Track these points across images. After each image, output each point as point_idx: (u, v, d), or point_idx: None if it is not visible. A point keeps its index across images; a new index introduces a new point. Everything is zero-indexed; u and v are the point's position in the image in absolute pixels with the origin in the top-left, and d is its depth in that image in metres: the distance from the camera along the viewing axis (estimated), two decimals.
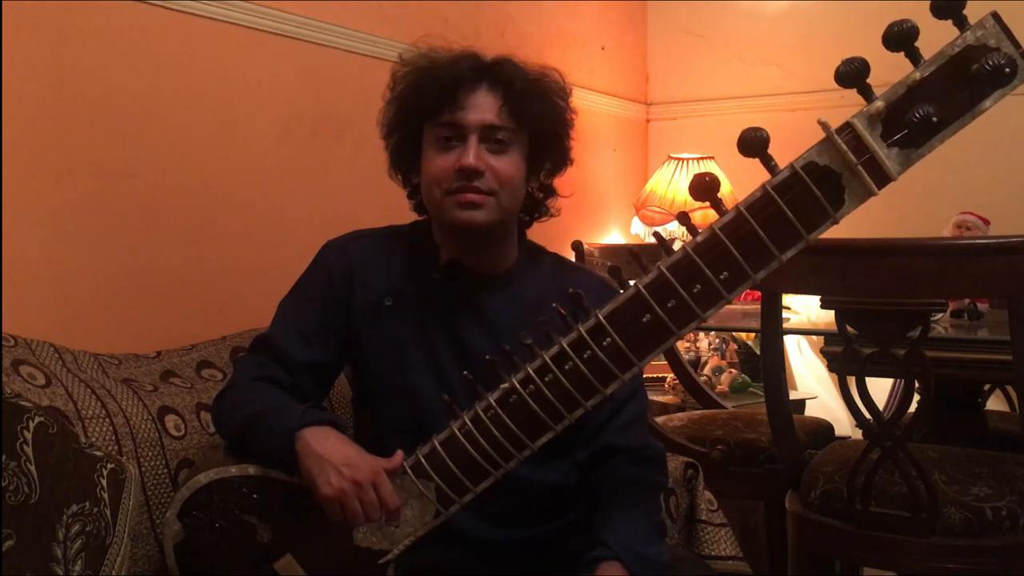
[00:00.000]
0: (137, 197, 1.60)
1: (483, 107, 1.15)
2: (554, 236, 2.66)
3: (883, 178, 0.84)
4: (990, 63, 0.77)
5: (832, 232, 1.00)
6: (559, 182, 1.28)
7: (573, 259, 2.15)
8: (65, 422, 1.15)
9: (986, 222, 2.18)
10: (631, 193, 3.13)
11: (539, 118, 1.18)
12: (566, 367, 0.98)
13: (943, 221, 2.26)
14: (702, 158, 2.91)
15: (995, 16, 0.79)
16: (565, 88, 1.23)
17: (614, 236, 3.08)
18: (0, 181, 1.38)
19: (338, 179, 2.00)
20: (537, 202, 1.27)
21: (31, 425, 1.03)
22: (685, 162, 2.91)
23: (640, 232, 2.96)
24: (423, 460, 1.07)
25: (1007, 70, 0.77)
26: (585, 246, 2.19)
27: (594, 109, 3.03)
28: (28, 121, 1.43)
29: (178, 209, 1.67)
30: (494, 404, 1.02)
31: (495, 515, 1.18)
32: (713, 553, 1.62)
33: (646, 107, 3.33)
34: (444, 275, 1.22)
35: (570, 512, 1.25)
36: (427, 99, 1.16)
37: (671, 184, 2.87)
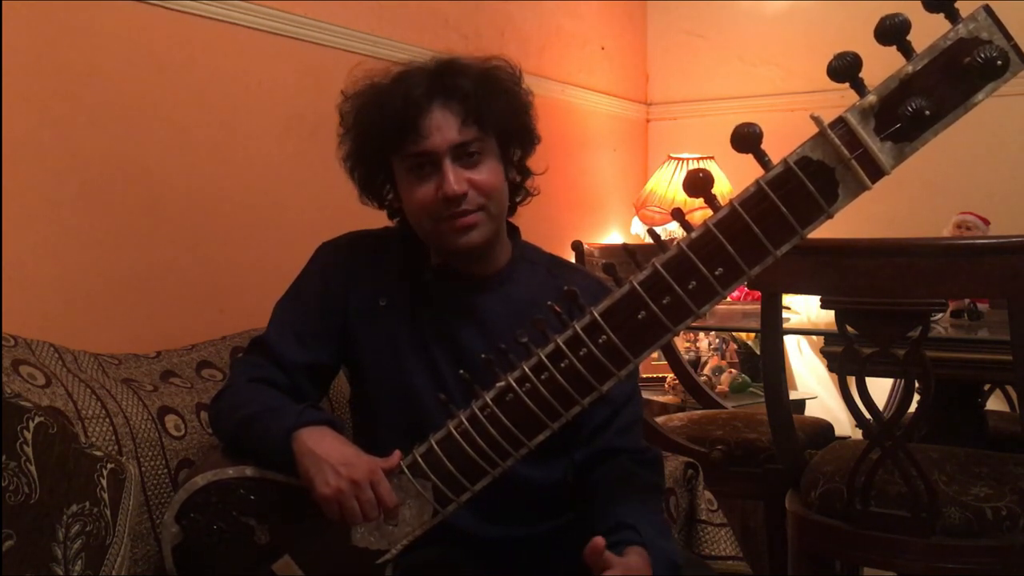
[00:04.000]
0: (137, 197, 1.60)
1: (444, 127, 1.12)
2: (554, 236, 2.67)
3: (877, 172, 0.84)
4: (982, 56, 0.77)
5: (832, 232, 1.00)
6: (532, 162, 1.26)
7: (573, 259, 2.15)
8: (65, 422, 1.15)
9: (986, 222, 2.18)
10: (631, 193, 3.13)
11: (501, 117, 1.16)
12: (562, 365, 0.98)
13: (943, 221, 2.25)
14: (702, 158, 2.91)
15: (987, 9, 0.79)
16: (515, 73, 1.21)
17: (614, 236, 3.08)
18: (0, 181, 1.38)
19: (338, 179, 1.99)
20: (517, 186, 1.25)
21: (31, 425, 1.03)
22: (685, 162, 2.91)
23: (640, 232, 2.96)
24: (420, 459, 1.07)
25: (999, 63, 0.77)
26: (585, 246, 2.19)
27: (594, 109, 3.03)
28: (28, 121, 1.43)
29: (178, 209, 1.67)
30: (491, 403, 1.02)
31: (493, 514, 1.18)
32: (713, 553, 1.62)
33: (646, 107, 3.33)
34: (435, 277, 1.22)
35: (568, 511, 1.25)
36: (387, 135, 1.14)
37: (671, 184, 2.87)
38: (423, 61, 1.19)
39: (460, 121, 1.13)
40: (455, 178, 1.12)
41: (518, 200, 1.27)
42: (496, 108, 1.15)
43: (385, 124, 1.14)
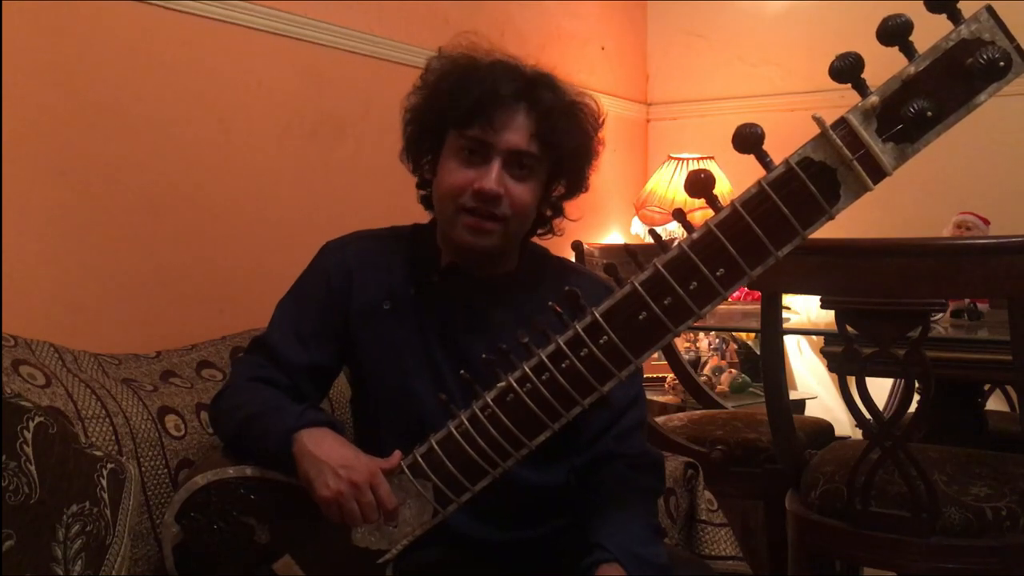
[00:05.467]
0: (137, 197, 1.60)
1: (515, 131, 1.12)
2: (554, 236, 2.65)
3: (878, 173, 0.84)
4: (984, 57, 0.77)
5: (833, 232, 1.00)
6: (569, 206, 1.27)
7: (573, 259, 2.15)
8: (65, 422, 1.15)
9: (986, 222, 2.18)
10: (631, 193, 3.13)
11: (566, 148, 1.16)
12: (563, 365, 0.98)
13: (943, 221, 2.25)
14: (702, 158, 2.91)
15: (989, 10, 0.79)
16: (598, 117, 1.21)
17: (614, 236, 3.08)
18: (0, 181, 1.38)
19: (338, 179, 2.00)
20: (544, 218, 1.25)
21: (31, 425, 1.03)
22: (685, 162, 2.91)
23: (640, 232, 2.96)
24: (420, 460, 1.07)
25: (1001, 64, 0.77)
26: (585, 246, 2.19)
27: None
28: (28, 121, 1.43)
29: (178, 209, 1.67)
30: (491, 403, 1.02)
31: (493, 516, 1.18)
32: (713, 553, 1.62)
33: (646, 107, 3.33)
34: (443, 278, 1.22)
35: (569, 514, 1.25)
36: (461, 108, 1.13)
37: (671, 184, 2.87)
38: (519, 61, 1.18)
39: (531, 134, 1.13)
40: (497, 179, 1.12)
41: (539, 232, 1.27)
42: (566, 140, 1.15)
43: (464, 100, 1.13)
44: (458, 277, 1.21)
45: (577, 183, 1.23)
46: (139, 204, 1.61)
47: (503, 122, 1.12)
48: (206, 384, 1.46)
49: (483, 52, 1.19)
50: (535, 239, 1.29)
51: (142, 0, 1.59)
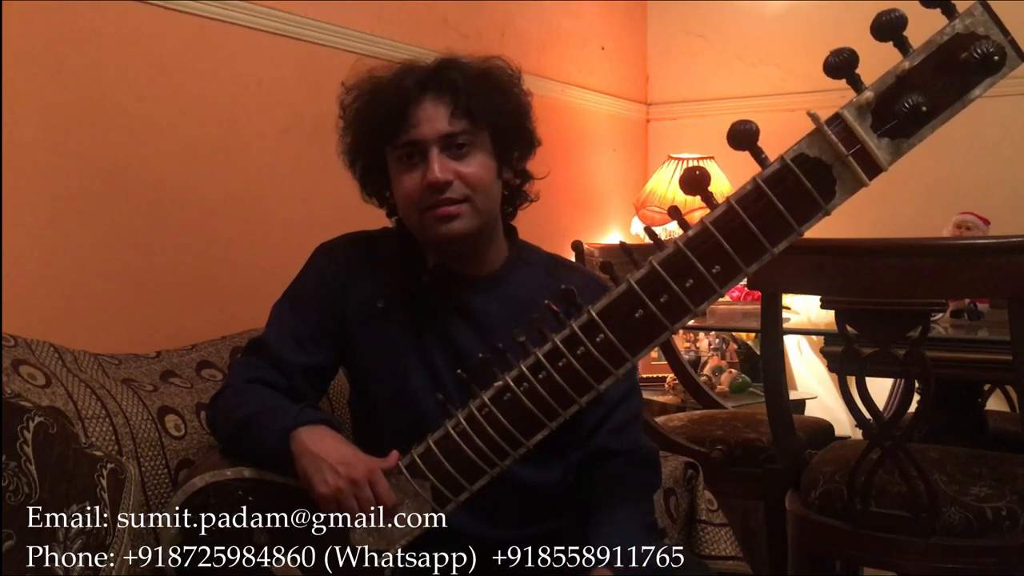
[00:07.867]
0: (137, 196, 1.61)
1: (434, 118, 1.14)
2: (554, 236, 2.66)
3: (874, 169, 0.84)
4: (979, 51, 0.77)
5: (833, 231, 1.00)
6: (532, 164, 1.26)
7: (573, 259, 2.15)
8: (65, 422, 1.15)
9: (986, 222, 2.18)
10: (631, 193, 3.13)
11: (493, 113, 1.17)
12: (560, 364, 0.98)
13: (943, 221, 2.25)
14: (702, 158, 2.91)
15: (983, 4, 0.79)
16: (513, 73, 1.22)
17: (614, 236, 3.08)
18: (0, 180, 1.38)
19: (338, 179, 1.99)
20: (515, 190, 1.26)
21: (31, 425, 1.03)
22: (685, 162, 2.91)
23: (640, 232, 2.96)
24: (418, 459, 1.07)
25: (996, 58, 0.76)
26: (585, 246, 2.19)
27: (594, 109, 3.03)
28: (28, 121, 1.43)
29: (178, 209, 1.67)
30: (488, 402, 1.02)
31: (492, 514, 1.18)
32: (713, 553, 1.62)
33: (646, 107, 3.33)
34: (432, 279, 1.22)
35: (568, 511, 1.25)
36: (379, 124, 1.16)
37: (671, 184, 2.87)
38: (426, 60, 1.20)
39: (450, 112, 1.14)
40: (440, 167, 1.13)
41: (517, 203, 1.27)
42: (489, 104, 1.16)
43: (378, 113, 1.16)
44: (447, 277, 1.22)
45: (526, 140, 1.23)
46: (139, 203, 1.61)
47: (419, 116, 1.14)
48: (206, 384, 1.46)
49: (382, 68, 1.20)
50: (531, 218, 1.28)
51: (142, 0, 1.60)
